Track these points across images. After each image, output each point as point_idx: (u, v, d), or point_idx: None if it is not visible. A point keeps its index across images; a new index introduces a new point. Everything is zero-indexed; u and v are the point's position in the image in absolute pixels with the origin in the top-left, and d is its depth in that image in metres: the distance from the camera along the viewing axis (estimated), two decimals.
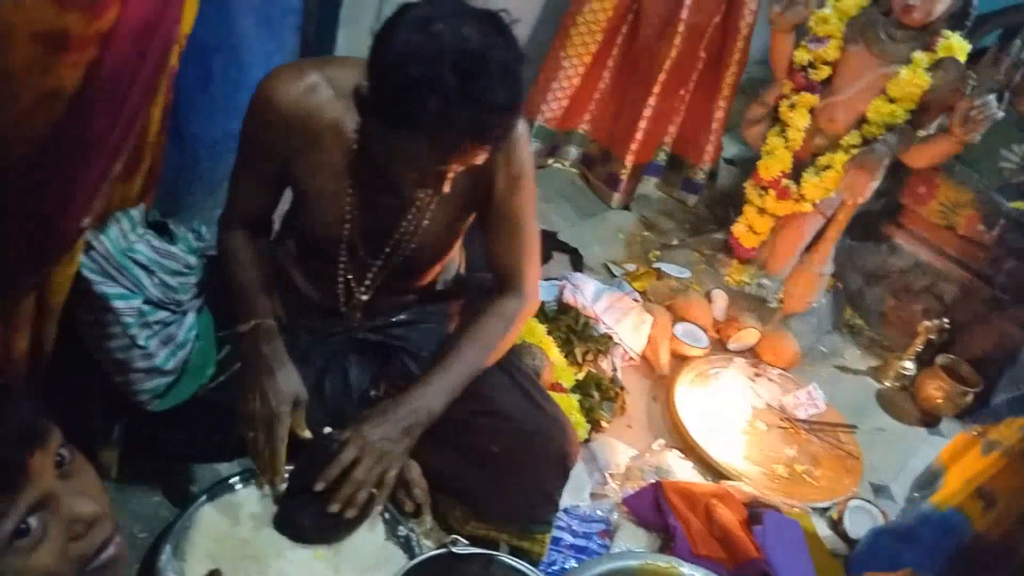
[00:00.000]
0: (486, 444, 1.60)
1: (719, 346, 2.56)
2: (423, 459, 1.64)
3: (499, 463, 1.60)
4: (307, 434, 1.47)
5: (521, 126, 1.46)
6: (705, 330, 2.52)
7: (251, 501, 1.49)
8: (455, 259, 1.74)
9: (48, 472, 0.81)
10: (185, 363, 1.52)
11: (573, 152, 3.20)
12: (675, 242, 3.03)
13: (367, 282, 1.62)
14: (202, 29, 1.58)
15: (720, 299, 2.67)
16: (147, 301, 1.42)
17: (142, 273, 1.41)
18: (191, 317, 1.54)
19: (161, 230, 1.50)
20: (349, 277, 1.61)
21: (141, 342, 1.42)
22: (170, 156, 1.58)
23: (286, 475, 1.47)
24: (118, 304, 1.38)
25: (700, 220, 3.21)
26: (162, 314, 1.46)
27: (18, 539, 0.75)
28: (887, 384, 2.68)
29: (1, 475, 0.75)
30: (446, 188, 1.32)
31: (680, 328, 2.49)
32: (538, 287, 1.67)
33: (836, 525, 2.03)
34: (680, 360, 2.42)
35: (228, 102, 1.85)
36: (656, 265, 2.81)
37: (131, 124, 1.29)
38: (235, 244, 1.58)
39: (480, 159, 1.30)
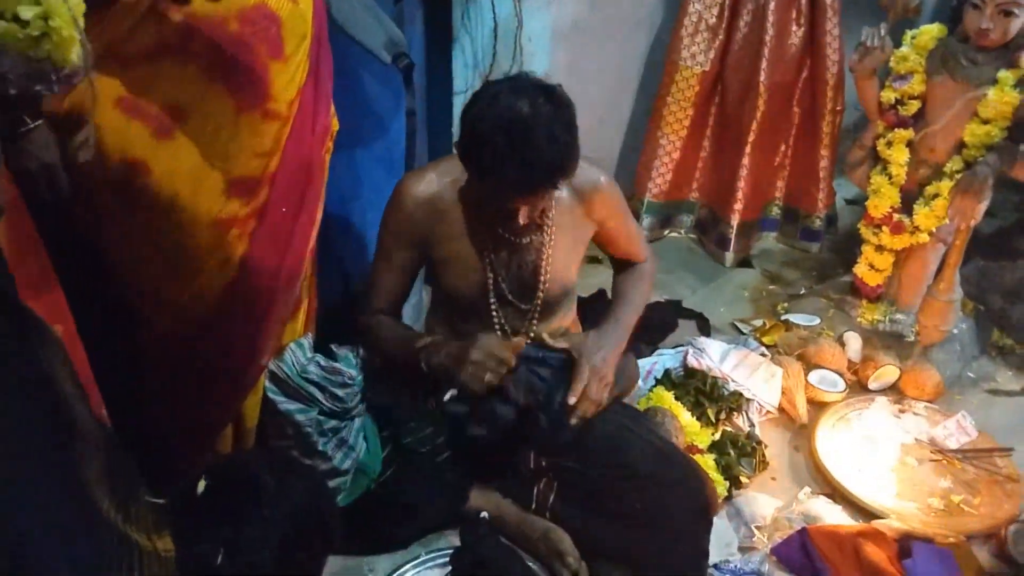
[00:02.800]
0: (631, 504, 1.76)
1: (859, 388, 2.58)
2: (575, 527, 1.83)
3: (645, 520, 1.76)
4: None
5: (603, 177, 1.85)
6: (841, 374, 2.55)
7: None
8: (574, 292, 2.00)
9: None
10: (356, 463, 1.80)
11: (686, 220, 3.36)
12: (802, 291, 3.07)
13: (522, 330, 1.84)
14: (343, 186, 1.93)
15: (853, 341, 2.69)
16: (321, 412, 1.71)
17: (315, 390, 1.70)
18: (357, 422, 1.82)
19: (326, 352, 1.80)
20: (507, 329, 1.84)
21: (320, 448, 1.71)
22: (323, 293, 1.88)
23: None
24: (299, 418, 1.68)
25: (827, 266, 3.23)
26: (334, 422, 1.75)
27: None
28: None
29: None
30: (522, 220, 1.64)
31: (815, 375, 2.53)
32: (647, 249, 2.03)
33: (1000, 551, 2.00)
34: (819, 407, 2.46)
35: (363, 248, 2.15)
36: (784, 317, 2.87)
37: (293, 274, 1.60)
38: (380, 320, 1.85)
39: (543, 199, 1.64)
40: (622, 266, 2.01)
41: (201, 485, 1.08)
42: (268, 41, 1.37)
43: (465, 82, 2.43)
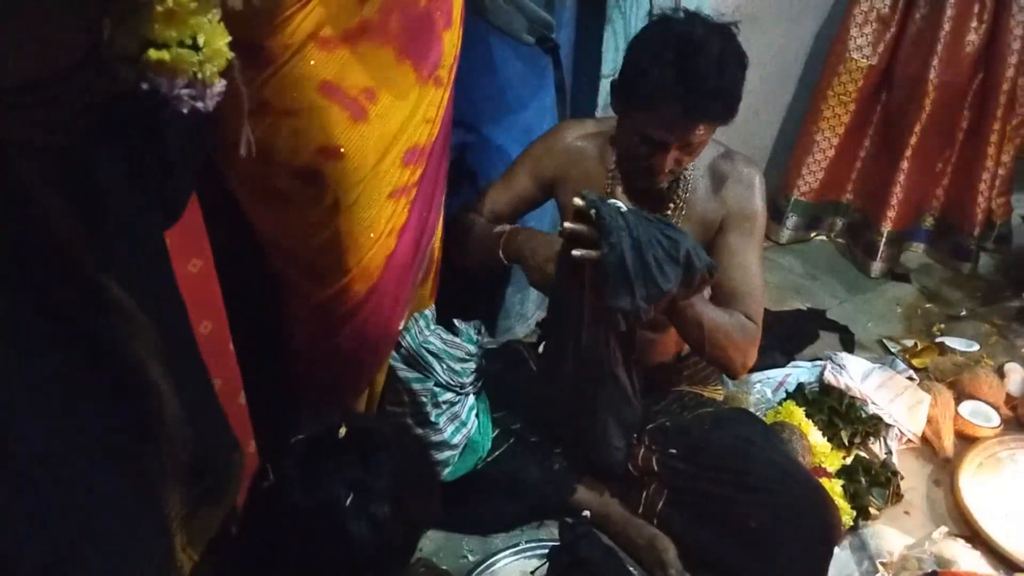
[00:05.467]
0: (745, 519, 1.68)
1: (1016, 426, 2.35)
2: (683, 537, 1.75)
3: (759, 537, 1.66)
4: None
5: (758, 178, 1.74)
6: (997, 408, 2.33)
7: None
8: None
9: None
10: (467, 440, 1.80)
11: (837, 223, 3.17)
12: (962, 313, 2.84)
13: None
14: (479, 163, 1.95)
15: (1015, 373, 2.46)
16: (437, 384, 1.71)
17: (434, 360, 1.70)
18: (471, 399, 1.82)
19: (447, 326, 1.80)
20: None
21: (433, 419, 1.71)
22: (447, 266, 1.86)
23: None
24: (416, 387, 1.68)
25: (993, 287, 2.98)
26: (449, 395, 1.74)
27: None
28: None
29: None
30: (667, 164, 1.58)
31: (967, 407, 2.32)
32: (762, 321, 1.73)
33: None
34: (968, 442, 2.26)
35: None
36: (939, 339, 2.65)
37: (429, 241, 1.61)
38: (475, 219, 1.84)
39: (698, 140, 1.57)
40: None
41: (342, 431, 1.10)
42: (444, 11, 1.38)
43: (613, 66, 2.35)
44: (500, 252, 1.73)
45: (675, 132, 1.55)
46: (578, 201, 1.43)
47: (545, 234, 1.72)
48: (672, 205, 1.75)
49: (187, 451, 1.09)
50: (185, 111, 0.84)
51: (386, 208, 1.42)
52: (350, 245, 1.41)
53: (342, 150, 1.30)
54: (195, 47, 0.82)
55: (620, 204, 1.45)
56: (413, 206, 1.48)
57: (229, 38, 0.86)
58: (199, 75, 0.83)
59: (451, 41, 1.43)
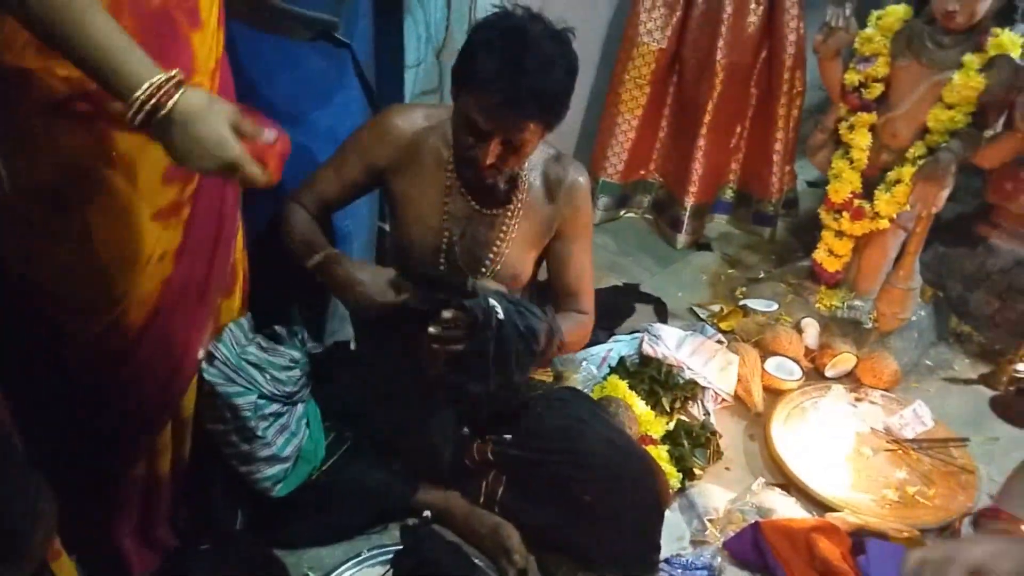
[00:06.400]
0: (578, 495, 1.71)
1: (816, 376, 2.54)
2: (522, 520, 1.77)
3: (594, 512, 1.71)
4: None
5: (585, 181, 1.82)
6: (798, 362, 2.51)
7: None
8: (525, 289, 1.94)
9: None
10: (299, 450, 1.72)
11: (644, 201, 3.30)
12: (761, 275, 3.03)
13: None
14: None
15: (811, 327, 2.66)
16: (261, 396, 1.63)
17: (255, 371, 1.62)
18: (300, 408, 1.75)
19: (268, 334, 1.72)
20: None
21: (260, 432, 1.63)
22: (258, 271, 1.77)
23: None
24: (238, 401, 1.59)
25: (786, 250, 3.20)
26: (275, 406, 1.66)
27: None
28: (1000, 390, 2.59)
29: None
30: (487, 157, 1.58)
31: (772, 363, 2.49)
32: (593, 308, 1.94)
33: None
34: (776, 395, 2.42)
35: None
36: (742, 303, 2.83)
37: (225, 258, 1.50)
38: (298, 213, 1.80)
39: (521, 140, 1.58)
40: (562, 306, 1.90)
41: None
42: (187, 10, 1.26)
43: (417, 55, 2.33)
44: (313, 271, 1.70)
45: (494, 122, 1.55)
46: (448, 315, 1.52)
47: (371, 272, 1.65)
48: (511, 206, 1.78)
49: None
50: None
51: (151, 231, 1.31)
52: (113, 274, 1.30)
53: (83, 168, 1.18)
54: None
55: (494, 292, 1.56)
56: (188, 226, 1.38)
57: None
58: None
59: (204, 43, 1.32)
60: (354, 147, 1.81)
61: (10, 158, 1.12)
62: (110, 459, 1.51)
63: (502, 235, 1.79)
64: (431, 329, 1.53)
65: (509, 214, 1.78)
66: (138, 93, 1.04)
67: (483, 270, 1.80)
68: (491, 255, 1.79)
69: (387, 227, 2.03)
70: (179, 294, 1.41)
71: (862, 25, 2.52)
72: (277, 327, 1.74)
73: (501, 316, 1.55)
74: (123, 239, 1.28)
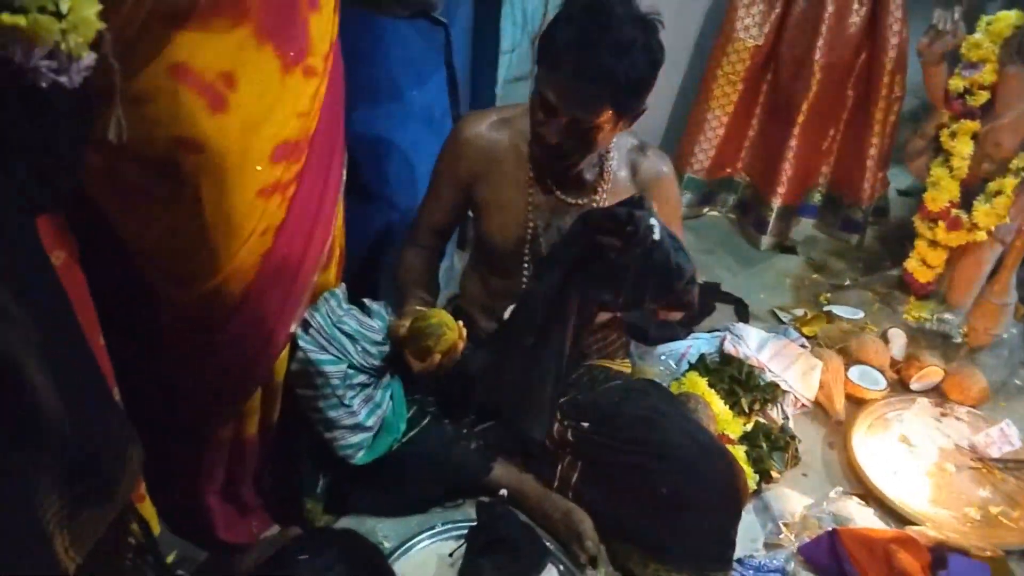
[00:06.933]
0: (655, 486, 1.69)
1: (900, 387, 2.48)
2: (596, 508, 1.76)
3: (670, 504, 1.68)
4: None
5: (670, 172, 1.81)
6: (883, 371, 2.46)
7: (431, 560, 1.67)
8: None
9: None
10: (382, 422, 1.75)
11: (729, 199, 3.26)
12: (847, 283, 2.98)
13: None
14: (382, 137, 1.92)
15: (898, 338, 2.60)
16: (351, 366, 1.65)
17: (348, 342, 1.64)
18: (386, 380, 1.77)
19: (359, 307, 1.74)
20: None
21: (347, 401, 1.65)
22: (354, 249, 1.82)
23: None
24: (328, 368, 1.61)
25: (874, 258, 3.13)
26: (363, 377, 1.68)
27: None
28: None
29: None
30: (552, 136, 1.57)
31: (855, 371, 2.44)
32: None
33: None
34: (857, 404, 2.37)
35: (403, 198, 2.08)
36: (826, 308, 2.77)
37: (324, 236, 1.52)
38: (413, 259, 1.88)
39: (590, 124, 1.55)
40: None
41: None
42: None
43: (512, 41, 2.34)
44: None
45: (562, 98, 1.53)
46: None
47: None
48: (596, 196, 1.78)
49: (67, 451, 1.01)
50: (44, 85, 0.76)
51: (256, 206, 1.33)
52: (217, 245, 1.32)
53: (200, 142, 1.20)
54: (58, 14, 0.74)
55: (656, 223, 1.51)
56: (293, 204, 1.39)
57: (99, 7, 0.78)
58: (62, 45, 0.75)
59: (320, 27, 1.33)
60: (440, 170, 1.83)
61: (131, 126, 1.15)
62: (199, 421, 1.56)
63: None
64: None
65: (595, 203, 1.78)
66: None
67: None
68: None
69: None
70: (277, 268, 1.43)
71: (970, 30, 2.45)
72: (367, 300, 1.77)
73: (657, 237, 1.51)
74: (229, 212, 1.30)
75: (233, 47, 1.18)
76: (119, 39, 1.04)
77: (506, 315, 1.76)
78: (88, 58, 0.79)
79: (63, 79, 0.77)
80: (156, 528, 1.36)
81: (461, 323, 1.65)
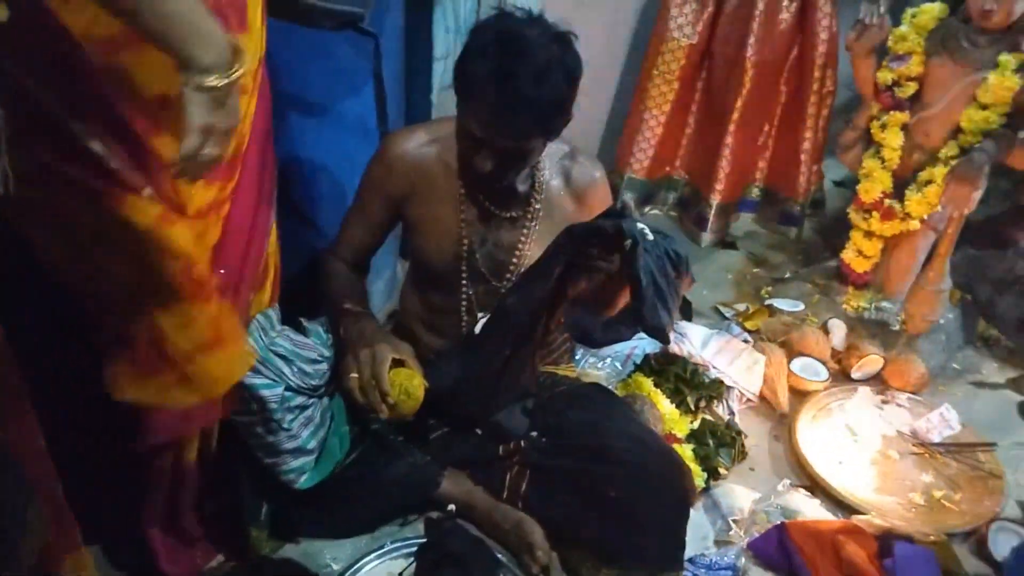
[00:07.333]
0: (603, 491, 1.70)
1: (842, 377, 2.52)
2: (546, 515, 1.76)
3: (619, 508, 1.69)
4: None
5: (602, 177, 1.80)
6: (824, 362, 2.49)
7: None
8: None
9: None
10: (323, 443, 1.71)
11: (669, 197, 3.28)
12: (787, 275, 3.01)
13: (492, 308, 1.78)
14: (312, 152, 1.88)
15: (838, 329, 2.63)
16: (288, 388, 1.61)
17: (283, 364, 1.60)
18: (326, 401, 1.74)
19: (295, 326, 1.71)
20: (472, 302, 1.82)
21: (286, 425, 1.62)
22: (288, 263, 1.77)
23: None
24: (264, 392, 1.57)
25: (813, 249, 3.17)
26: (301, 399, 1.65)
27: None
28: None
29: None
30: (482, 165, 1.56)
31: (798, 363, 2.47)
32: None
33: (980, 550, 1.96)
34: (801, 396, 2.40)
35: (335, 214, 2.04)
36: (768, 302, 2.80)
37: (259, 253, 1.49)
38: (336, 267, 1.84)
39: (523, 150, 1.55)
40: None
41: None
42: (236, 10, 1.25)
43: (446, 47, 2.31)
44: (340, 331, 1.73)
45: (489, 131, 1.51)
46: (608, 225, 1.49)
47: (361, 336, 1.67)
48: (530, 207, 1.77)
49: None
50: None
51: (193, 229, 1.28)
52: (156, 274, 1.25)
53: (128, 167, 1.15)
54: None
55: (643, 226, 1.50)
56: (227, 222, 1.36)
57: None
58: None
59: (250, 46, 1.31)
60: (368, 186, 1.80)
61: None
62: (138, 449, 1.51)
63: (523, 236, 1.78)
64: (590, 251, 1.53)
65: (529, 215, 1.77)
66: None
67: (508, 275, 1.80)
68: (515, 258, 1.79)
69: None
70: (216, 289, 1.40)
71: (896, 23, 2.50)
72: (303, 319, 1.73)
73: (651, 237, 1.51)
74: (164, 239, 1.24)
75: (159, 69, 1.14)
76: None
77: (477, 328, 1.77)
78: None
79: None
80: None
81: (421, 382, 1.63)
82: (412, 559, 1.66)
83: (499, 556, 1.72)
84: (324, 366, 1.70)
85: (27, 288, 1.27)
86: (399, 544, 1.72)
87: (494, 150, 1.54)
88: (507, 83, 1.44)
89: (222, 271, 1.39)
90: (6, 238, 1.20)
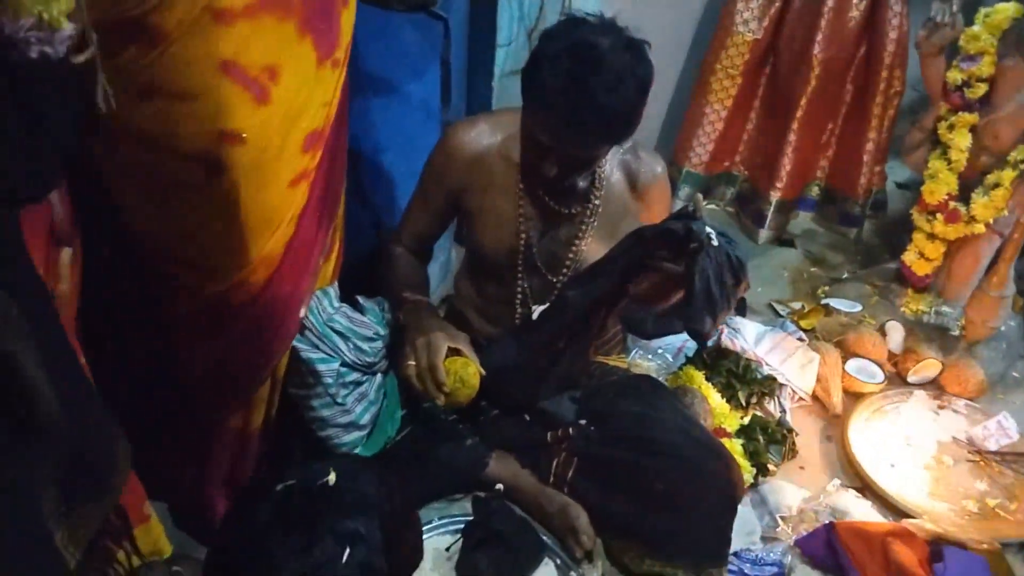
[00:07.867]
0: (651, 483, 1.70)
1: (898, 381, 2.48)
2: (592, 503, 1.76)
3: (665, 500, 1.69)
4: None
5: (663, 173, 1.79)
6: (880, 365, 2.45)
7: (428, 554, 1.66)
8: None
9: None
10: (376, 420, 1.75)
11: (727, 193, 3.24)
12: (844, 276, 2.97)
13: (547, 302, 1.80)
14: (378, 131, 1.92)
15: (896, 331, 2.59)
16: (343, 364, 1.66)
17: (339, 340, 1.64)
18: (380, 378, 1.78)
19: (352, 304, 1.75)
20: (527, 295, 1.83)
21: (340, 399, 1.66)
22: (350, 242, 1.81)
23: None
24: (320, 367, 1.62)
25: (872, 251, 3.12)
26: (356, 375, 1.69)
27: None
28: None
29: None
30: (548, 170, 1.56)
31: (853, 364, 2.44)
32: None
33: None
34: (855, 398, 2.37)
35: (398, 194, 2.08)
36: (824, 301, 2.77)
37: (331, 219, 1.55)
38: (398, 254, 1.87)
39: (587, 156, 1.56)
40: None
41: (331, 477, 1.10)
42: None
43: (509, 35, 2.33)
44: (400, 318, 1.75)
45: (558, 141, 1.51)
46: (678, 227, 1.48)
47: (423, 326, 1.68)
48: (589, 203, 1.76)
49: (63, 445, 1.01)
50: (34, 56, 0.78)
51: (288, 196, 1.35)
52: (250, 235, 1.33)
53: (244, 135, 1.21)
54: None
55: (711, 230, 1.51)
56: (312, 190, 1.42)
57: None
58: (44, 15, 0.77)
59: (347, 20, 1.37)
60: (429, 175, 1.81)
61: (174, 121, 1.15)
62: (212, 410, 1.57)
63: (581, 232, 1.77)
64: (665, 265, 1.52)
65: (588, 211, 1.76)
66: None
67: (564, 269, 1.80)
68: (571, 253, 1.79)
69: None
70: (295, 255, 1.45)
71: (969, 22, 2.44)
72: (360, 297, 1.77)
73: (716, 243, 1.52)
74: (264, 203, 1.32)
75: (279, 41, 1.20)
76: (162, 38, 1.07)
77: (535, 315, 1.78)
78: (68, 28, 0.80)
79: (48, 50, 0.78)
80: (167, 549, 1.36)
81: (476, 370, 1.65)
82: (459, 535, 1.68)
83: (544, 538, 1.73)
84: (379, 344, 1.74)
85: (109, 254, 1.32)
86: (446, 520, 1.75)
87: (560, 157, 1.54)
88: (580, 95, 1.42)
89: (303, 238, 1.44)
90: (101, 208, 1.26)
